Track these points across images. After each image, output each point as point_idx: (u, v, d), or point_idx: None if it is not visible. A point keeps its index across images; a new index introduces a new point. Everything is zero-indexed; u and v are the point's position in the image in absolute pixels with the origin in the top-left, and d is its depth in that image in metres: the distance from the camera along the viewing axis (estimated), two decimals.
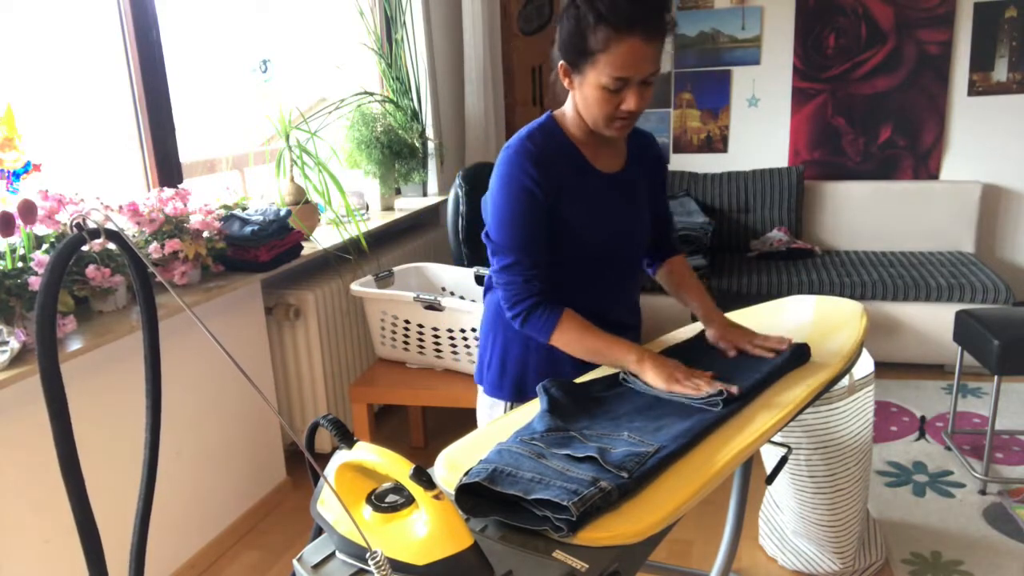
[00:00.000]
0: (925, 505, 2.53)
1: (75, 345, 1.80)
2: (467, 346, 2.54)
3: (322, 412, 2.84)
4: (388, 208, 3.49)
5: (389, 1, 3.57)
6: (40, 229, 1.87)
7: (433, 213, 3.91)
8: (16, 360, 1.69)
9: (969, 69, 4.04)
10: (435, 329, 2.58)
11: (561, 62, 1.44)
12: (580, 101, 1.45)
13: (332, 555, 0.98)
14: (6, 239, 1.79)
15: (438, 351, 2.62)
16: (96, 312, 2.03)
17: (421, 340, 2.63)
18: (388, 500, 0.96)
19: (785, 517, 2.22)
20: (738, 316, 1.69)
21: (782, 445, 1.53)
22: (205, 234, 2.24)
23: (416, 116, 3.62)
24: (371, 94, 3.44)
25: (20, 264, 1.80)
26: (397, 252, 3.30)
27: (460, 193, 2.68)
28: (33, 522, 1.83)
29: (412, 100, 3.63)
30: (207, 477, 2.39)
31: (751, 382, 1.32)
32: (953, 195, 4.04)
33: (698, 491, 1.07)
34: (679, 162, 4.52)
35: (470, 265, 2.74)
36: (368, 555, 0.85)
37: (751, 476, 1.75)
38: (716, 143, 4.45)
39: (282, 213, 2.43)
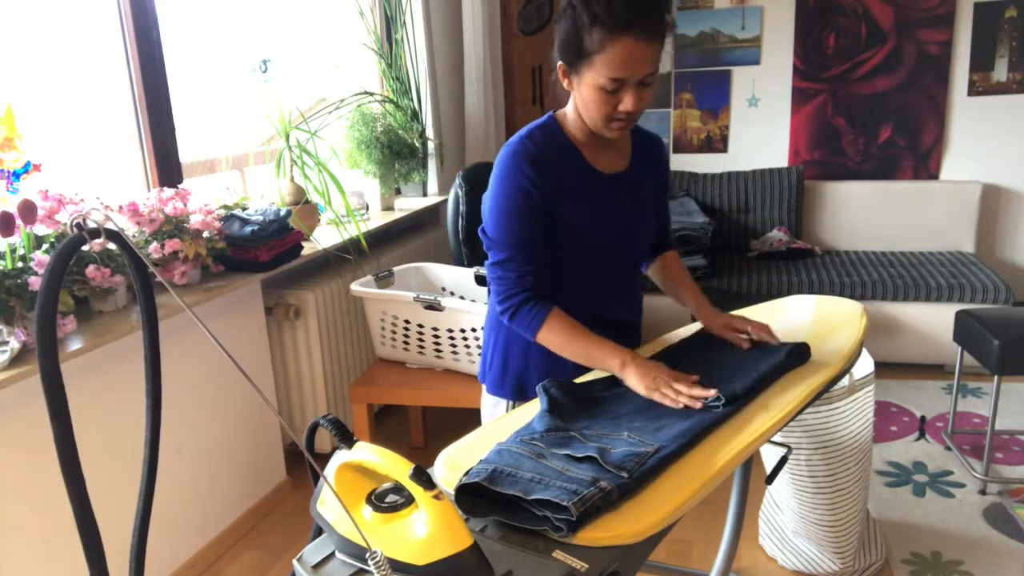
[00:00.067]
0: (925, 505, 2.53)
1: (75, 345, 1.80)
2: (467, 346, 2.54)
3: (322, 412, 2.83)
4: (388, 208, 3.49)
5: (389, 1, 3.57)
6: (40, 229, 1.87)
7: (433, 213, 3.91)
8: (16, 360, 1.69)
9: (969, 69, 4.04)
10: (435, 329, 2.58)
11: (560, 63, 1.44)
12: (579, 102, 1.45)
13: (332, 555, 0.98)
14: (6, 239, 1.79)
15: (438, 351, 2.62)
16: (96, 312, 2.03)
17: (421, 340, 2.63)
18: (388, 500, 0.96)
19: (785, 517, 2.22)
20: None
21: (782, 445, 1.53)
22: (205, 234, 2.24)
23: (416, 116, 3.62)
24: (371, 94, 3.44)
25: (20, 264, 1.80)
26: (397, 252, 3.30)
27: (460, 193, 2.68)
28: (33, 522, 1.83)
29: (412, 100, 3.63)
30: (207, 477, 2.39)
31: (749, 381, 1.32)
32: (953, 195, 4.04)
33: (698, 491, 1.07)
34: (679, 162, 4.52)
35: (470, 265, 2.74)
36: (368, 555, 0.85)
37: (751, 476, 1.75)
38: (716, 143, 4.45)
39: (282, 213, 2.43)
